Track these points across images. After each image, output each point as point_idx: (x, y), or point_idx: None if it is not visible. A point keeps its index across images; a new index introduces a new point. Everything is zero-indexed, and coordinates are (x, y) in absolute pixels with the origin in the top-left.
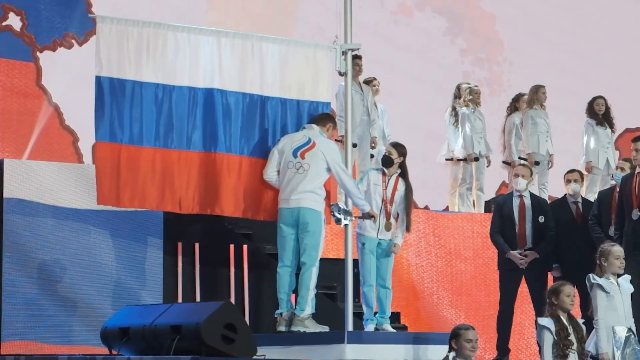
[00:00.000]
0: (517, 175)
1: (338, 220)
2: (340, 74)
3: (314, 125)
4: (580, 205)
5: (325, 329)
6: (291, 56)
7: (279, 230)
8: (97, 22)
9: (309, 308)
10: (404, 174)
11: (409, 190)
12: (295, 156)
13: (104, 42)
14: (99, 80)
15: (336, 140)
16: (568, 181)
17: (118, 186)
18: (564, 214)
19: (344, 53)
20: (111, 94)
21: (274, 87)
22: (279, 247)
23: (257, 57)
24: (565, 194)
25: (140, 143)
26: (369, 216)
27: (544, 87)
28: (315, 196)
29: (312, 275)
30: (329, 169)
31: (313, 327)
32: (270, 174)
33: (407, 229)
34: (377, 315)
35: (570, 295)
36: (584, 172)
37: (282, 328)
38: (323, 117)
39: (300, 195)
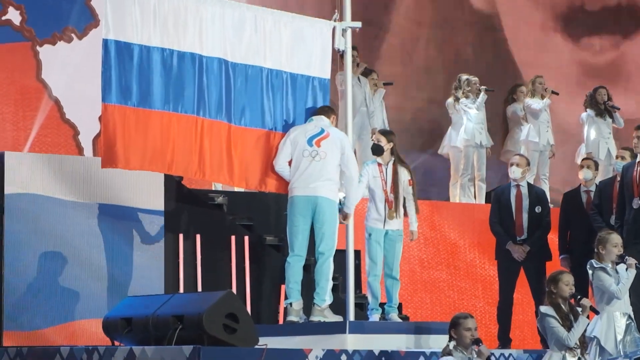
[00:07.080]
0: (512, 164)
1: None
2: (339, 51)
3: (323, 117)
4: (592, 194)
5: (340, 318)
6: (292, 30)
7: (292, 219)
8: None
9: (328, 298)
10: (398, 160)
11: (411, 173)
12: (310, 144)
13: (111, 6)
14: (106, 43)
15: None
16: (581, 167)
17: (127, 149)
18: (575, 203)
19: (344, 31)
20: (119, 57)
21: (276, 60)
22: (291, 236)
23: (260, 29)
24: (580, 184)
25: (149, 106)
26: (344, 215)
27: (541, 77)
28: (332, 185)
29: (330, 265)
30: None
31: (331, 317)
32: (282, 164)
33: (417, 211)
34: (385, 305)
35: (569, 283)
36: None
37: (293, 318)
38: (326, 109)
39: (317, 183)
